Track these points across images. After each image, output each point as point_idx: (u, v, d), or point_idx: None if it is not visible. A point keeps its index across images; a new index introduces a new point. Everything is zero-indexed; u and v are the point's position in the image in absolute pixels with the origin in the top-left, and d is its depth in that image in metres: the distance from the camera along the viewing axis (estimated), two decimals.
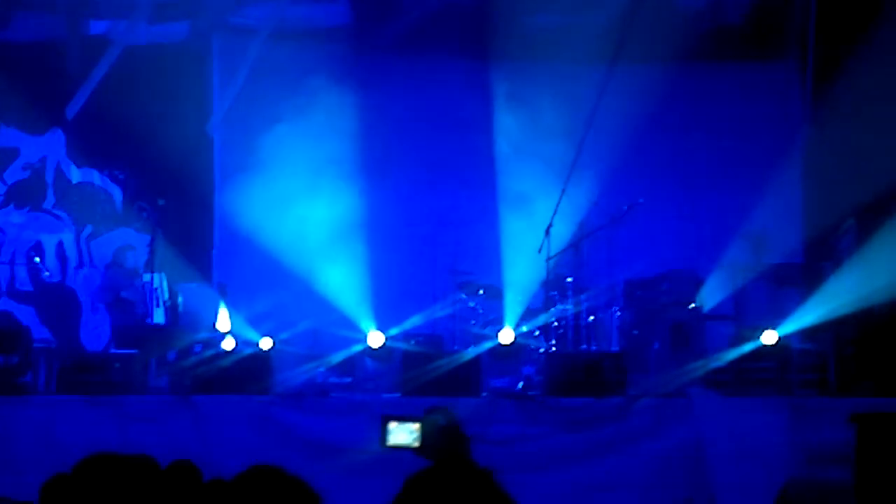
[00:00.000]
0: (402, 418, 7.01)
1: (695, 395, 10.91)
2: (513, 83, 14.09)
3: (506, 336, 12.47)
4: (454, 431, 7.08)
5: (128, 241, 14.37)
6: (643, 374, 11.70)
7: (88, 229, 15.02)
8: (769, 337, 11.39)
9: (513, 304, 12.98)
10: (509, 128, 14.09)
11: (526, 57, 13.97)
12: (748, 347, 11.34)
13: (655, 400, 10.82)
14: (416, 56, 14.71)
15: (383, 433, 6.93)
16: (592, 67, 13.93)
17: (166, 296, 13.42)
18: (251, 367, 11.48)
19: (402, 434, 6.94)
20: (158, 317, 13.27)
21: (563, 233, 12.92)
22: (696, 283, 12.75)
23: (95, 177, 15.10)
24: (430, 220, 14.51)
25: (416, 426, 6.93)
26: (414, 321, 12.99)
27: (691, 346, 11.93)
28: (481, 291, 13.43)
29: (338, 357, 12.41)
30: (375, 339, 12.39)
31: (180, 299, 13.53)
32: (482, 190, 14.22)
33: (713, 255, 13.12)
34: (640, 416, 10.73)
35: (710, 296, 12.64)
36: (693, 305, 12.47)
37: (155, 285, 13.10)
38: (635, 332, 12.66)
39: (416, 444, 6.93)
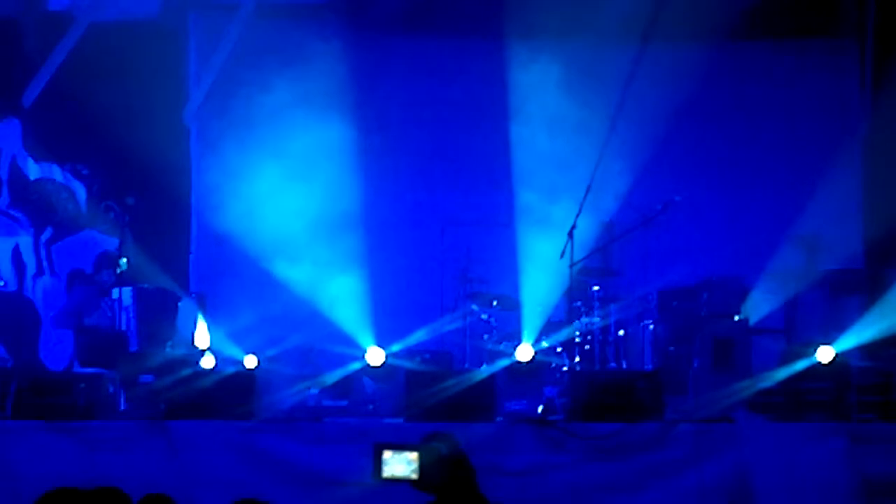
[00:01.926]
0: (399, 447, 6.97)
1: (740, 420, 10.89)
2: (531, 65, 14.08)
3: (524, 353, 12.46)
4: (458, 461, 7.05)
5: (103, 248, 14.34)
6: (681, 396, 11.67)
7: (48, 232, 15.03)
8: (825, 354, 11.35)
9: (531, 317, 12.98)
10: (527, 116, 14.09)
11: (546, 35, 13.97)
12: (801, 366, 11.31)
13: (696, 425, 10.78)
14: (420, 35, 14.75)
15: (377, 464, 6.89)
16: (621, 47, 13.94)
17: (134, 309, 13.41)
18: (233, 388, 11.44)
19: (399, 465, 6.90)
20: (127, 332, 13.27)
21: (588, 236, 12.90)
22: (741, 292, 12.74)
23: (56, 172, 15.11)
24: (437, 221, 14.51)
25: (414, 455, 6.89)
26: (419, 336, 12.98)
27: (736, 364, 11.89)
28: (495, 302, 13.43)
29: (333, 377, 12.40)
30: (375, 356, 12.38)
31: (152, 311, 13.53)
32: (496, 187, 14.23)
33: (760, 261, 13.13)
34: (679, 443, 10.69)
35: (757, 307, 12.64)
36: (738, 318, 12.45)
37: (124, 300, 13.07)
38: (671, 348, 12.64)
39: (415, 476, 6.90)
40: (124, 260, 12.96)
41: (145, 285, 13.53)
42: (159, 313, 13.27)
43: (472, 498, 7.00)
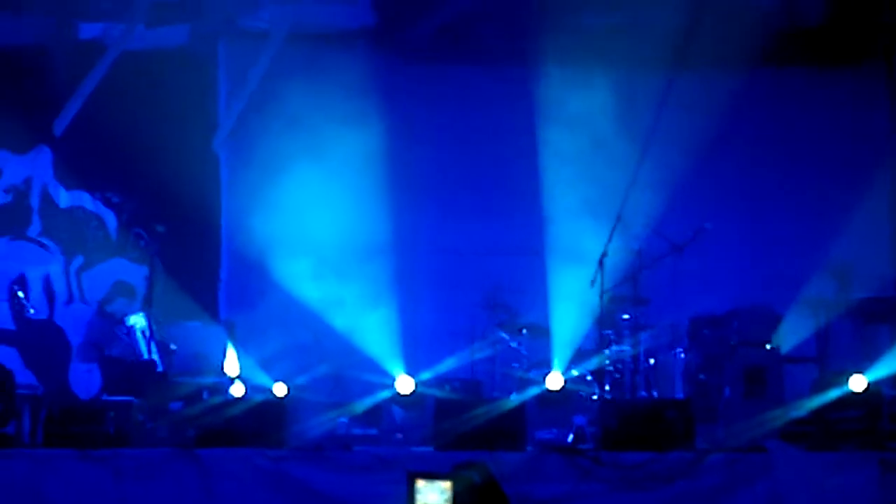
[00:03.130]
0: (432, 476, 6.98)
1: (773, 450, 10.83)
2: (560, 92, 14.08)
3: (554, 381, 12.43)
4: (491, 490, 7.04)
5: (121, 277, 14.38)
6: (712, 425, 11.63)
7: (79, 260, 15.08)
8: (857, 382, 11.30)
9: (561, 345, 12.95)
10: (556, 143, 14.09)
11: (577, 63, 13.97)
12: (833, 395, 11.25)
13: (728, 455, 10.72)
14: (450, 62, 14.77)
15: (410, 493, 6.90)
16: (653, 74, 13.93)
17: (161, 336, 13.45)
18: (263, 416, 11.45)
19: (433, 494, 6.91)
20: (156, 360, 13.29)
21: (618, 264, 12.88)
22: (773, 320, 12.70)
23: (86, 200, 15.16)
24: (465, 249, 14.51)
25: (447, 485, 6.90)
26: (448, 364, 12.97)
27: (767, 392, 11.87)
28: (525, 330, 13.40)
29: (362, 405, 12.39)
30: (405, 384, 12.37)
31: (181, 340, 13.55)
32: (525, 214, 14.22)
33: (791, 289, 13.08)
34: (711, 473, 10.63)
35: (788, 335, 12.59)
36: (769, 346, 12.42)
37: (144, 326, 13.10)
38: (702, 376, 12.61)
39: None
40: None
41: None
42: (204, 348, 13.34)
43: None
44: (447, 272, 14.48)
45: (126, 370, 12.90)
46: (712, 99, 13.68)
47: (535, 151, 14.17)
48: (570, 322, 13.11)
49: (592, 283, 12.57)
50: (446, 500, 6.90)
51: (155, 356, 13.26)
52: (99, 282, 14.74)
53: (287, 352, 12.97)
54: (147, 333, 13.12)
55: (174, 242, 14.02)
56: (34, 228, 15.11)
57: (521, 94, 14.24)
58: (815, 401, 11.27)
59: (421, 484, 6.91)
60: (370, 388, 12.48)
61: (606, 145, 13.75)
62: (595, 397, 12.63)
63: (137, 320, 13.14)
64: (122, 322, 13.37)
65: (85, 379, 14.40)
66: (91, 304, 14.75)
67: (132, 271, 14.44)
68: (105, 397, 12.89)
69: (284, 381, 12.31)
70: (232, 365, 13.09)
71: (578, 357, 12.88)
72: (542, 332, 13.31)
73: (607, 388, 12.71)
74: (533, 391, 12.31)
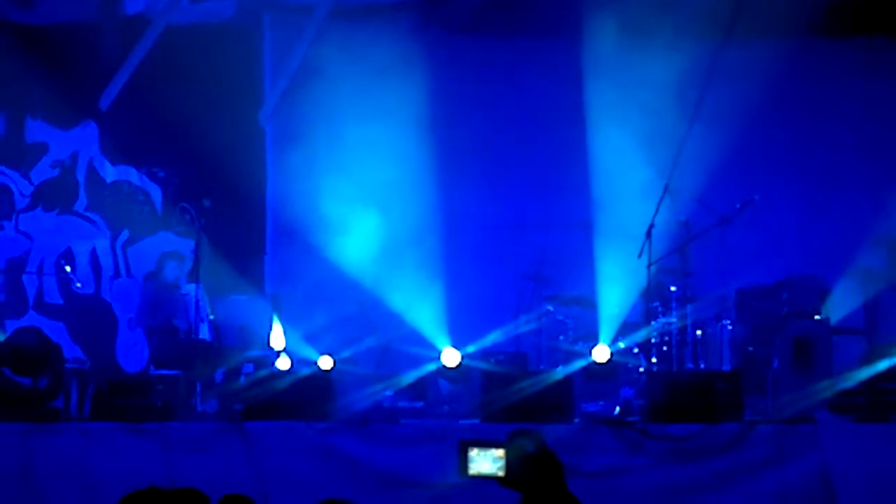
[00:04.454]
0: (485, 444, 6.91)
1: (822, 421, 10.74)
2: (606, 65, 13.97)
3: (600, 353, 12.36)
4: (545, 458, 6.97)
5: (170, 247, 14.41)
6: (761, 397, 11.55)
7: (125, 234, 15.11)
8: None
9: (608, 318, 12.87)
10: (603, 115, 13.98)
11: (622, 34, 13.84)
12: (883, 366, 11.15)
13: (776, 427, 10.65)
14: (493, 34, 14.70)
15: (463, 461, 6.84)
16: (700, 44, 13.79)
17: (210, 309, 13.47)
18: (309, 389, 11.46)
19: (485, 462, 6.85)
20: (204, 333, 13.32)
21: (665, 235, 12.79)
22: (822, 291, 12.58)
23: (132, 175, 15.20)
24: (511, 222, 14.45)
25: (500, 453, 6.84)
26: (494, 337, 12.92)
27: (816, 364, 11.75)
28: (571, 303, 13.34)
29: (408, 378, 12.36)
30: (451, 357, 12.32)
31: (228, 313, 13.58)
32: (571, 187, 14.13)
33: (841, 261, 12.95)
34: (760, 445, 10.58)
35: (837, 307, 12.47)
36: (818, 317, 12.29)
37: (199, 298, 13.12)
38: (751, 348, 12.51)
39: (502, 474, 6.84)
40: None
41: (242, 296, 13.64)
42: (251, 322, 13.35)
43: (561, 495, 6.92)
44: (493, 246, 14.44)
45: (175, 341, 12.91)
46: (760, 69, 13.53)
47: (580, 123, 14.06)
48: (617, 294, 13.02)
49: (640, 254, 12.49)
50: (499, 468, 6.84)
51: (205, 328, 13.30)
52: (145, 256, 14.77)
53: (333, 325, 12.95)
54: (199, 304, 13.14)
55: (220, 217, 14.01)
56: (80, 203, 15.15)
57: (567, 67, 14.12)
58: (863, 372, 11.18)
59: (474, 452, 6.84)
60: (416, 361, 12.44)
61: (653, 117, 13.61)
62: (642, 370, 12.56)
63: (190, 290, 13.17)
64: (177, 288, 13.41)
65: (132, 353, 14.46)
66: (137, 279, 14.78)
67: (178, 245, 14.45)
68: (153, 371, 12.94)
69: (330, 355, 12.28)
70: (278, 338, 13.09)
71: (625, 329, 12.79)
72: (588, 305, 13.23)
73: (654, 360, 12.64)
74: (579, 364, 12.22)
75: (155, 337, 13.02)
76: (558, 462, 6.98)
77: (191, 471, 10.45)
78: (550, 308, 13.36)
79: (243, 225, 14.82)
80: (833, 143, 14.46)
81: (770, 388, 11.71)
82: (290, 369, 12.19)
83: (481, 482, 6.86)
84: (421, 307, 13.20)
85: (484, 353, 12.46)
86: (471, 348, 12.53)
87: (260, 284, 14.52)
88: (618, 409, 11.94)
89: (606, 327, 12.74)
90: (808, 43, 14.00)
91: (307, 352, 12.55)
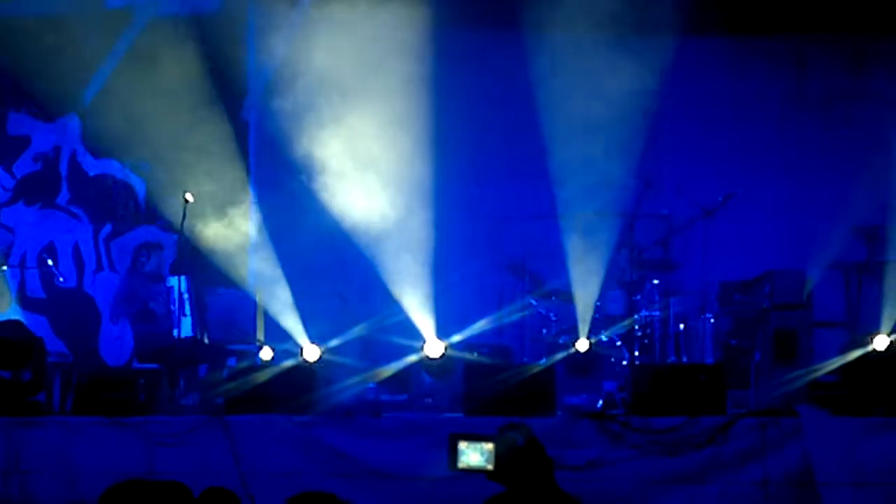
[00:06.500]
0: (474, 437, 6.85)
1: (804, 414, 10.72)
2: (580, 57, 13.83)
3: (583, 346, 12.33)
4: (535, 452, 6.90)
5: (150, 238, 14.34)
6: (743, 390, 11.52)
7: (108, 228, 15.04)
8: (881, 342, 11.24)
9: (590, 311, 12.81)
10: (583, 107, 13.88)
11: (593, 27, 13.70)
12: (858, 355, 11.17)
13: (759, 419, 10.62)
14: (477, 26, 14.65)
15: (452, 454, 6.76)
16: (675, 36, 13.72)
17: (195, 303, 13.40)
18: (292, 381, 11.38)
19: (475, 455, 6.77)
20: (186, 327, 13.24)
21: (647, 228, 12.75)
22: (803, 284, 12.55)
23: (115, 168, 15.12)
24: (495, 213, 14.41)
25: (490, 446, 6.77)
26: (478, 328, 12.86)
27: (798, 356, 11.74)
28: (553, 297, 13.29)
29: (390, 369, 12.30)
30: (434, 348, 12.26)
31: (211, 306, 13.51)
32: (553, 179, 14.06)
33: (822, 253, 12.93)
34: (742, 437, 10.54)
35: (819, 299, 12.45)
36: (800, 310, 12.27)
37: (181, 290, 13.04)
38: (733, 341, 12.51)
39: (490, 467, 6.78)
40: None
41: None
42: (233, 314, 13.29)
43: (550, 490, 6.86)
44: (475, 237, 14.37)
45: (158, 337, 12.85)
46: (741, 61, 13.52)
47: (559, 115, 13.98)
48: (599, 287, 12.97)
49: (621, 248, 12.45)
50: (488, 461, 6.78)
51: (188, 325, 13.22)
52: (128, 250, 14.69)
53: (316, 315, 12.88)
54: (182, 297, 13.07)
55: (202, 211, 13.93)
56: (63, 197, 15.08)
57: (542, 60, 14.05)
58: (840, 361, 11.19)
59: (463, 445, 6.78)
60: (399, 352, 12.37)
61: (631, 107, 13.53)
62: (625, 363, 12.53)
63: (175, 282, 13.09)
64: (162, 279, 13.35)
65: (115, 346, 14.40)
66: (120, 273, 14.71)
67: (161, 239, 14.38)
68: (135, 365, 12.88)
69: (314, 346, 12.22)
70: (261, 331, 13.03)
71: (607, 322, 12.77)
72: (570, 298, 13.18)
73: (637, 353, 12.61)
74: (562, 356, 12.18)
75: (139, 330, 12.97)
76: (547, 456, 6.92)
77: (173, 464, 10.42)
78: (533, 301, 13.32)
79: (226, 219, 14.73)
80: (814, 134, 14.47)
81: (753, 381, 11.71)
82: (272, 361, 12.12)
83: (469, 476, 6.79)
84: (404, 298, 13.13)
85: (467, 345, 12.41)
86: (455, 338, 12.47)
87: (243, 277, 14.44)
88: (601, 402, 11.90)
89: (588, 320, 12.69)
90: (784, 35, 14.00)
91: (290, 343, 12.48)
